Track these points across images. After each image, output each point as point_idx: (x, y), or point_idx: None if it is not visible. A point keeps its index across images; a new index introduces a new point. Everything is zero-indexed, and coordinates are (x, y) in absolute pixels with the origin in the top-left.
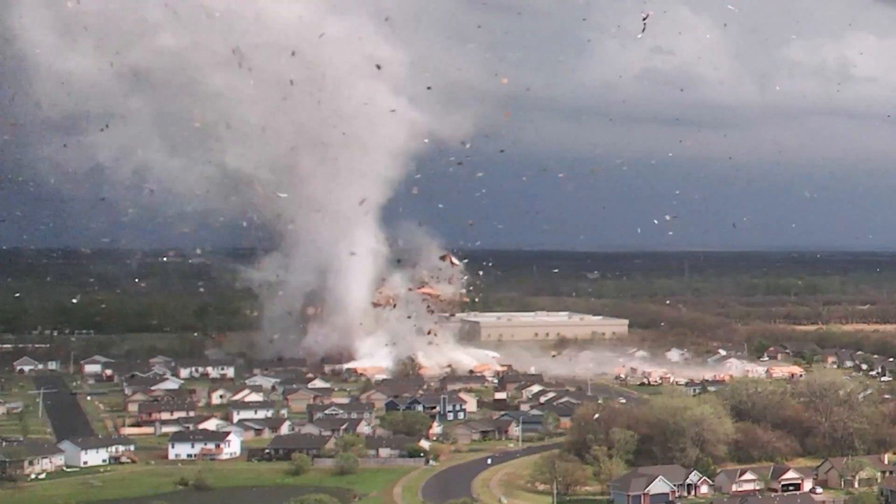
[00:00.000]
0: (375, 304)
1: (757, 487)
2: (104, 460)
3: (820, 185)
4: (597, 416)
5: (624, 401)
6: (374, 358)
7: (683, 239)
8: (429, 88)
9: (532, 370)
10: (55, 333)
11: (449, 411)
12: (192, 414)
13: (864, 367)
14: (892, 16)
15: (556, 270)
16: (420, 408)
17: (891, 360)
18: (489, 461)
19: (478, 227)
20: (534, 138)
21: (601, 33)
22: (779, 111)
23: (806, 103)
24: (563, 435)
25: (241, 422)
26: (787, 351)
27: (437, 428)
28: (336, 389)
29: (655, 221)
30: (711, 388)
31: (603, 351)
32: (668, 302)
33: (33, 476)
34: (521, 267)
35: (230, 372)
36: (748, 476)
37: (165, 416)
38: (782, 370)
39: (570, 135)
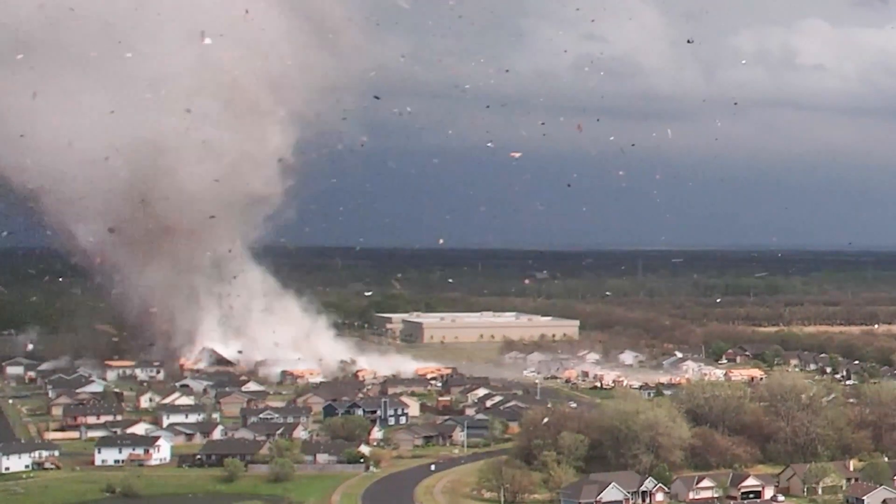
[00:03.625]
0: None
1: (715, 495)
2: (27, 466)
3: (775, 180)
4: (546, 420)
5: (575, 405)
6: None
7: (634, 238)
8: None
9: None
10: None
11: (390, 416)
12: (119, 418)
13: (829, 370)
14: (846, 2)
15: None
16: (360, 412)
17: (856, 362)
18: (433, 468)
19: (419, 224)
20: (471, 131)
21: (537, 20)
22: (724, 102)
23: (754, 93)
24: (510, 440)
25: (171, 426)
26: (747, 353)
27: (377, 433)
28: (272, 393)
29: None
30: (667, 392)
31: (552, 353)
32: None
33: None
34: (464, 265)
35: (160, 374)
36: (706, 483)
37: (91, 420)
38: (742, 373)
39: (507, 127)
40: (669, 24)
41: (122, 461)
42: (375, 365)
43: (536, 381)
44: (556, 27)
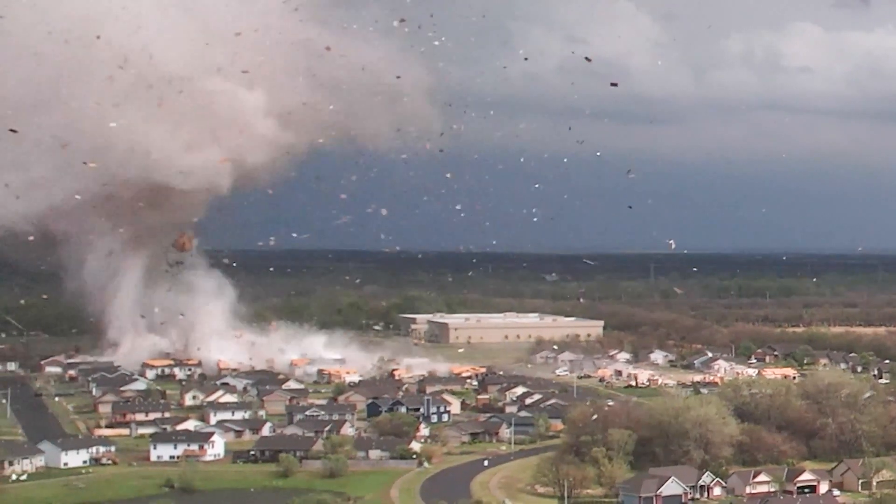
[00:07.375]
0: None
1: (772, 489)
2: (85, 461)
3: (766, 182)
4: (595, 416)
5: (612, 402)
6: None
7: (639, 241)
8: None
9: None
10: (2, 335)
11: (433, 413)
12: (167, 415)
13: (860, 369)
14: (833, 5)
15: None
16: (403, 409)
17: (886, 361)
18: (486, 463)
19: (418, 229)
20: (468, 136)
21: (526, 23)
22: (716, 105)
23: (747, 97)
24: (554, 437)
25: (220, 423)
26: (776, 353)
27: (424, 430)
28: (311, 391)
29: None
30: (703, 391)
31: (582, 353)
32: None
33: (14, 477)
34: (472, 268)
35: (197, 373)
36: (762, 477)
37: (140, 417)
38: (774, 372)
39: (499, 129)
40: (659, 28)
41: (177, 457)
42: (406, 364)
43: (571, 379)
44: (545, 29)
